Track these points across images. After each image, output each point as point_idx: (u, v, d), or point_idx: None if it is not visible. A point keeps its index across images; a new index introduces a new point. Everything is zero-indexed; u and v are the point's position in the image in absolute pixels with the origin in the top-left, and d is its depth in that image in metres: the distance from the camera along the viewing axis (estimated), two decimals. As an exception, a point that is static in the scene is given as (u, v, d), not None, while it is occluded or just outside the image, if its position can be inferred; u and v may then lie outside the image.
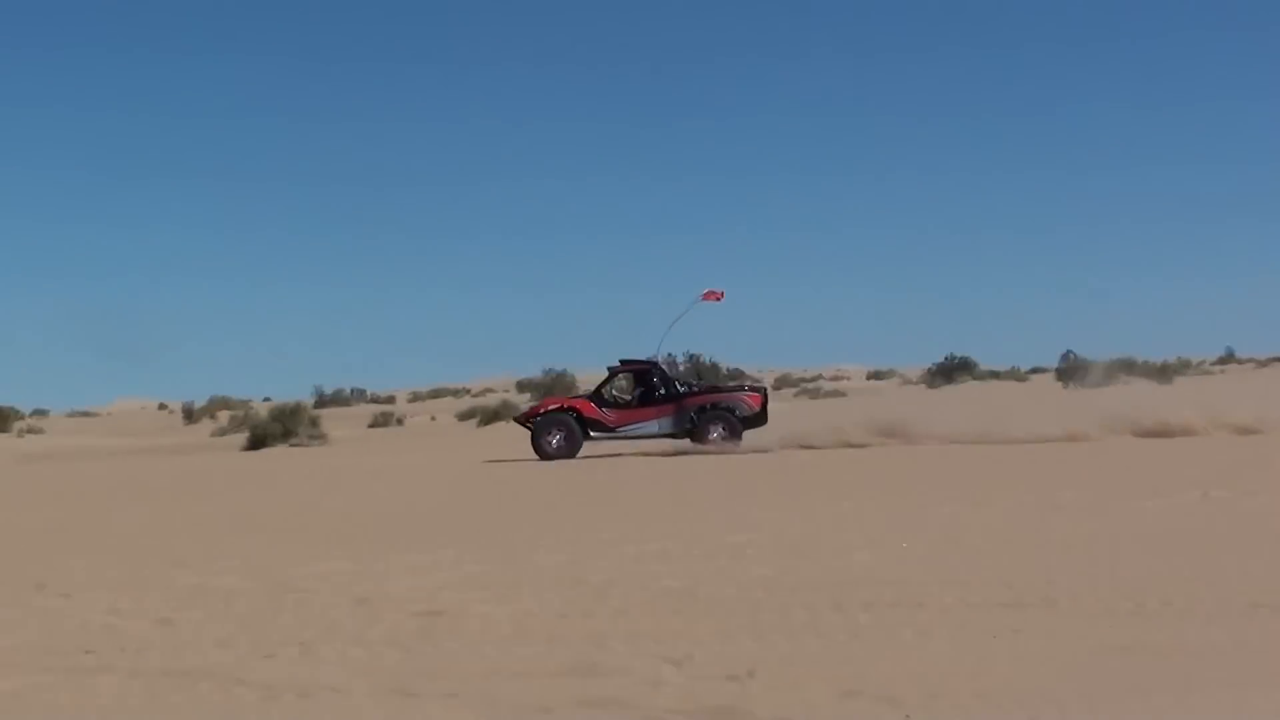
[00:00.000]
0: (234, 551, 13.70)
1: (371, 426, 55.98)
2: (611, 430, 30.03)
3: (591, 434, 29.93)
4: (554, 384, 70.10)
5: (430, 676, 7.59)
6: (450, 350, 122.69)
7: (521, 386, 76.65)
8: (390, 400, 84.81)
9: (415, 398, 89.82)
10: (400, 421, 59.53)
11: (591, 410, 30.06)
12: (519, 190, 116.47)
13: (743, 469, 23.71)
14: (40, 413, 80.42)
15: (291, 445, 43.29)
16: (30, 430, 63.93)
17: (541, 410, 31.00)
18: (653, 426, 30.01)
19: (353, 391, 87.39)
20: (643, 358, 30.65)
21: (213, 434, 56.32)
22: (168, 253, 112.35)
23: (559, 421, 29.96)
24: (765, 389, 31.89)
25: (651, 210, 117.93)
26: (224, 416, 63.73)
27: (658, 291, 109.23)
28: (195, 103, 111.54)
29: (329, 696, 7.28)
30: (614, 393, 30.74)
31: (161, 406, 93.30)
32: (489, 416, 52.70)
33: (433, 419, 62.82)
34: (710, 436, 29.58)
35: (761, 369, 76.23)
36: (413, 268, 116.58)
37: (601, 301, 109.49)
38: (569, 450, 29.54)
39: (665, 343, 32.41)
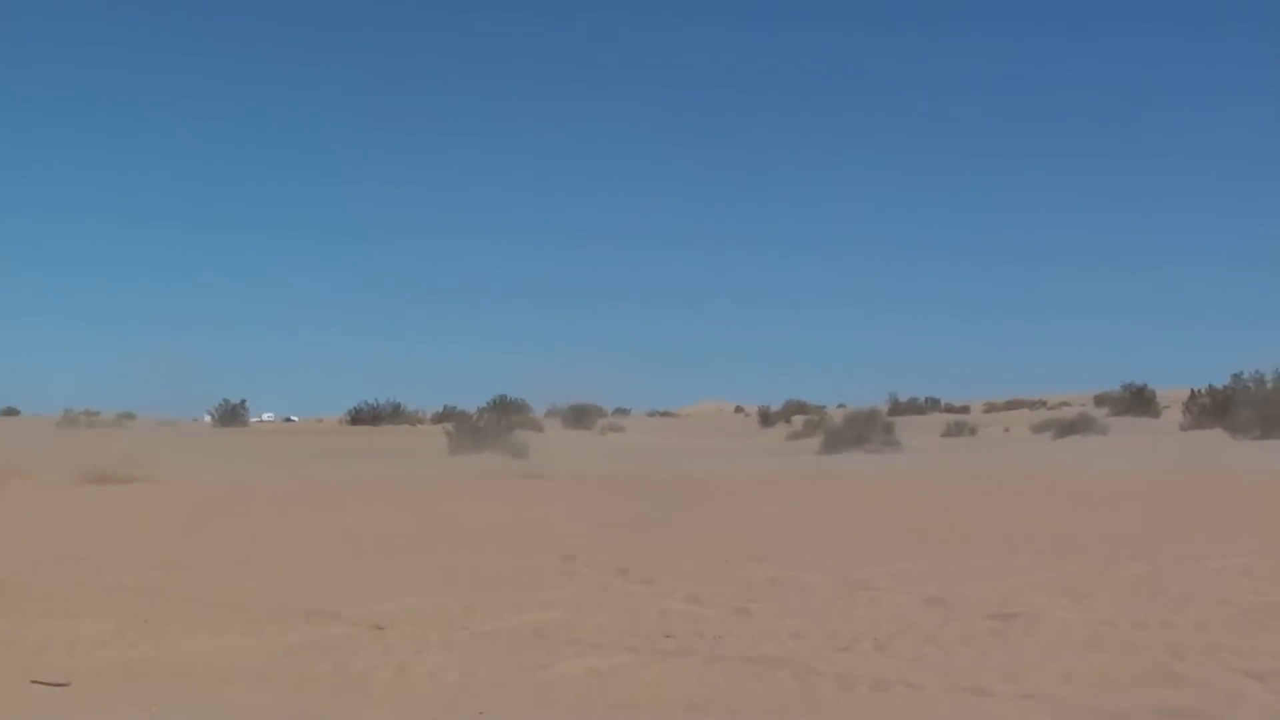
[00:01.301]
0: (808, 549, 14.01)
1: (944, 436, 55.80)
2: None
3: None
4: (1133, 399, 68.08)
5: (1005, 677, 7.58)
6: (1027, 364, 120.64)
7: (1099, 401, 74.69)
8: (965, 410, 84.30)
9: (990, 409, 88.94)
10: (973, 431, 59.06)
11: None
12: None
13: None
14: (622, 411, 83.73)
15: (866, 451, 43.61)
16: (611, 428, 66.29)
17: None
18: None
19: (927, 400, 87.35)
20: None
21: (787, 437, 57.35)
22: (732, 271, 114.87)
23: None
24: None
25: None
26: (799, 421, 64.70)
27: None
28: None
29: (903, 691, 7.38)
30: None
31: (738, 409, 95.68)
32: (1064, 429, 51.81)
33: (1006, 430, 62.18)
34: None
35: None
36: (990, 282, 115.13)
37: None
38: None
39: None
